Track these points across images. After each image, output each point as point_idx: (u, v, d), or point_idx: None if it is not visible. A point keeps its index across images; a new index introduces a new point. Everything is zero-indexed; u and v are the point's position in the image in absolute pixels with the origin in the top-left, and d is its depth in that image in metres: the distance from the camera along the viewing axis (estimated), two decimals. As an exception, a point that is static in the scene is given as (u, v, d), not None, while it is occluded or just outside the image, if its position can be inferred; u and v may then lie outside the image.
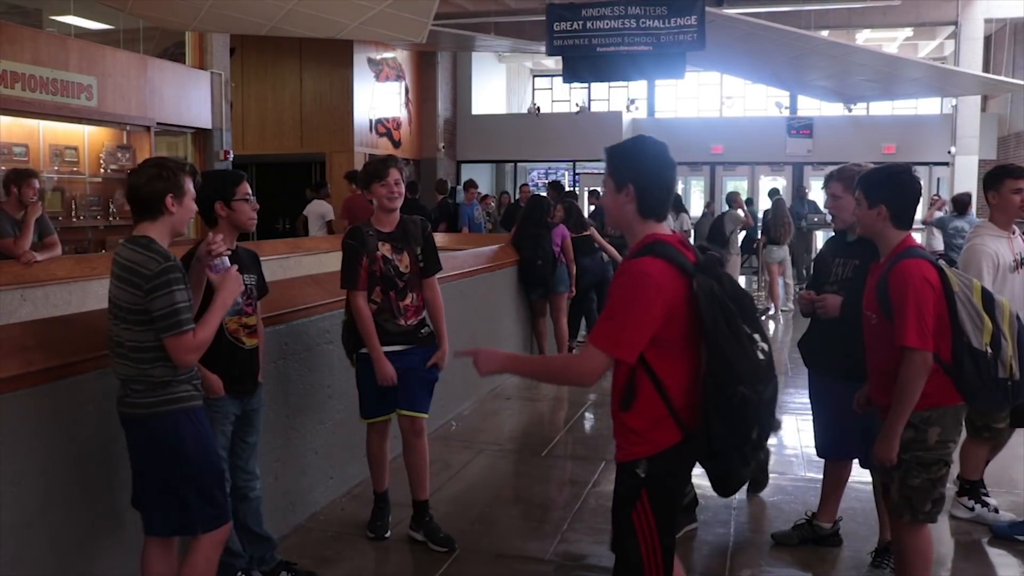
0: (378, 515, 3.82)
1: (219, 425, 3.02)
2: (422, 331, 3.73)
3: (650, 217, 2.24)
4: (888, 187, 2.79)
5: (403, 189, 3.69)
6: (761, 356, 2.15)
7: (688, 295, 2.13)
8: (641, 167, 2.23)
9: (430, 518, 3.75)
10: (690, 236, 11.48)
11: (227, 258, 2.77)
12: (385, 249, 3.63)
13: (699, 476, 4.07)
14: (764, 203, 13.93)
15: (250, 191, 3.12)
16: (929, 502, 2.77)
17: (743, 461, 2.20)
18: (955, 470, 4.35)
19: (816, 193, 14.34)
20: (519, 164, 19.24)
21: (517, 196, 13.62)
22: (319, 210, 10.66)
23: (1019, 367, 2.73)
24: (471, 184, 12.40)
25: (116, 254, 2.57)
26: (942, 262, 2.77)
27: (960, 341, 2.67)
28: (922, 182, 2.97)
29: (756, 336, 2.17)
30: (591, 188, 14.84)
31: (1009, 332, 2.72)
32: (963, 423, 2.83)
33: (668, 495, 2.27)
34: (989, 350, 2.68)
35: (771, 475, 4.62)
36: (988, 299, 2.73)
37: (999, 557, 3.66)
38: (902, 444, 2.73)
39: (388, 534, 3.80)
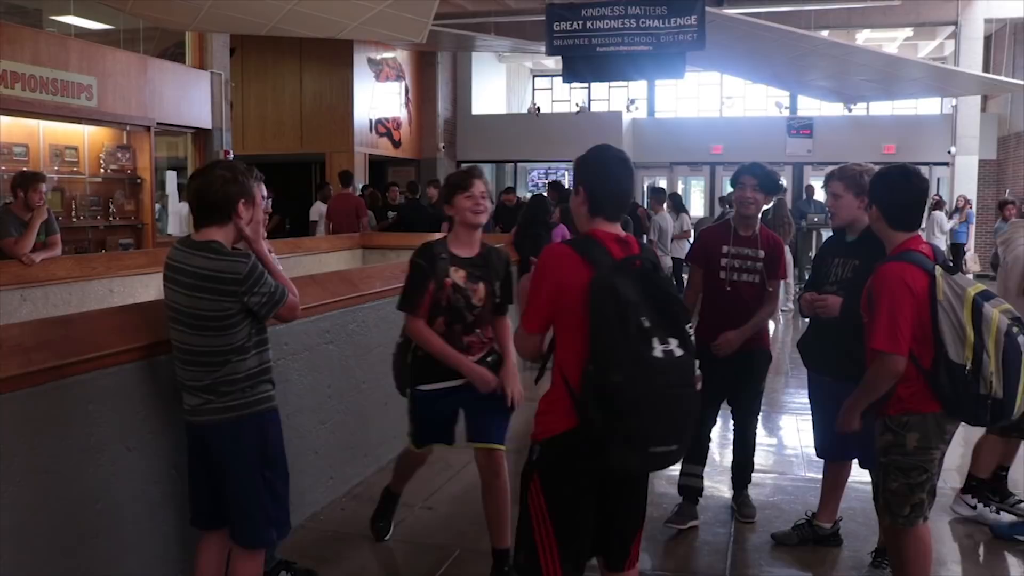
0: (383, 513, 3.75)
1: None
2: (488, 359, 3.27)
3: (598, 215, 2.36)
4: (877, 187, 2.80)
5: (489, 204, 3.26)
6: (659, 354, 2.11)
7: (586, 285, 2.21)
8: (591, 171, 2.38)
9: (509, 568, 3.26)
10: (690, 236, 11.47)
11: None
12: (458, 276, 3.15)
13: (708, 475, 4.10)
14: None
15: (263, 193, 3.00)
16: (907, 507, 2.76)
17: (631, 453, 2.16)
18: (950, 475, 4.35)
19: (820, 193, 14.33)
20: (519, 164, 19.25)
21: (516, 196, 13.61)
22: (315, 211, 10.85)
23: (1001, 386, 2.62)
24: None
25: (181, 262, 2.49)
26: (939, 270, 2.69)
27: (939, 352, 2.64)
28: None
29: (662, 337, 2.12)
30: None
31: (994, 349, 2.62)
32: (947, 432, 2.77)
33: (559, 484, 2.28)
34: (969, 364, 2.61)
35: (771, 475, 4.62)
36: (977, 313, 2.63)
37: (999, 557, 3.66)
38: (882, 448, 2.76)
39: (388, 536, 3.79)
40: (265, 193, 3.04)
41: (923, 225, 3.00)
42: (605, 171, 2.37)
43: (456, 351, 3.15)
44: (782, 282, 11.53)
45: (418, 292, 3.14)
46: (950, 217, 13.79)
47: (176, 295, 2.50)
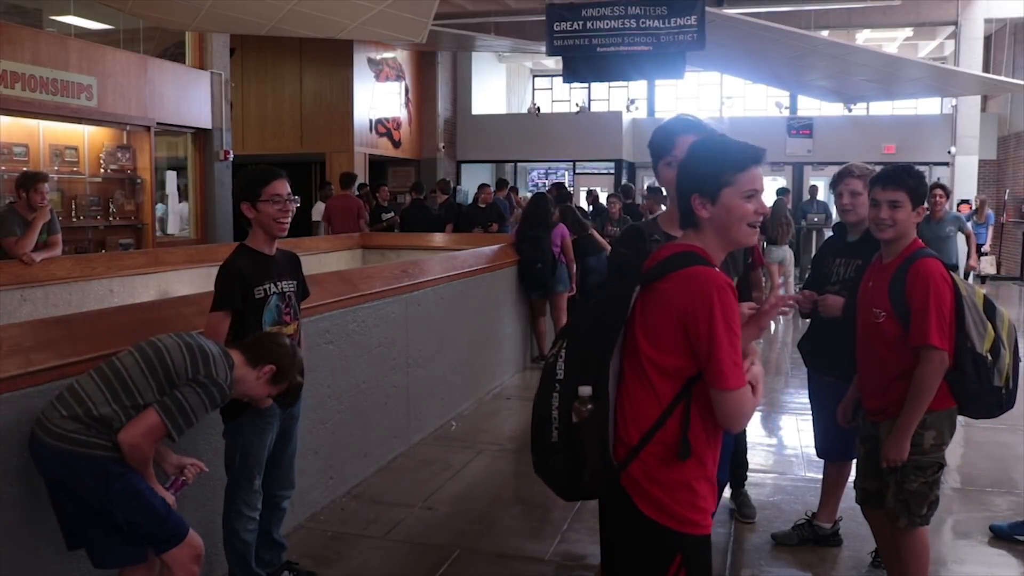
0: None
1: (265, 435, 3.00)
2: None
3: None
4: (927, 190, 2.84)
5: None
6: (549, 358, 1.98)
7: None
8: None
9: None
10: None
11: (183, 481, 2.64)
12: None
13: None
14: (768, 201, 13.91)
15: (282, 191, 2.92)
16: (925, 505, 2.80)
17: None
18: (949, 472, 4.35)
19: (822, 193, 14.29)
20: (519, 164, 19.24)
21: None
22: (317, 211, 10.89)
23: (1013, 377, 2.76)
24: (504, 183, 12.50)
25: (204, 340, 2.56)
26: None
27: (964, 345, 2.67)
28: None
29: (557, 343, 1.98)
30: (589, 188, 14.81)
31: (1007, 341, 2.74)
32: (955, 426, 2.84)
33: None
34: (989, 357, 2.70)
35: (771, 475, 4.63)
36: (989, 307, 2.74)
37: (999, 557, 3.66)
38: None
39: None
40: (281, 191, 2.92)
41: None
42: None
43: None
44: (782, 281, 11.51)
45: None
46: (967, 219, 13.84)
47: (170, 344, 2.49)
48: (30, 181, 5.54)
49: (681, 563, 1.88)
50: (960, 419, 2.87)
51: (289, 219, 2.96)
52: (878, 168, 3.10)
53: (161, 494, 2.47)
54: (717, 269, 1.88)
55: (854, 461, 3.53)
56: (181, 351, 2.46)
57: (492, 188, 11.58)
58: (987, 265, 13.56)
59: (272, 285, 2.96)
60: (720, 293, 1.80)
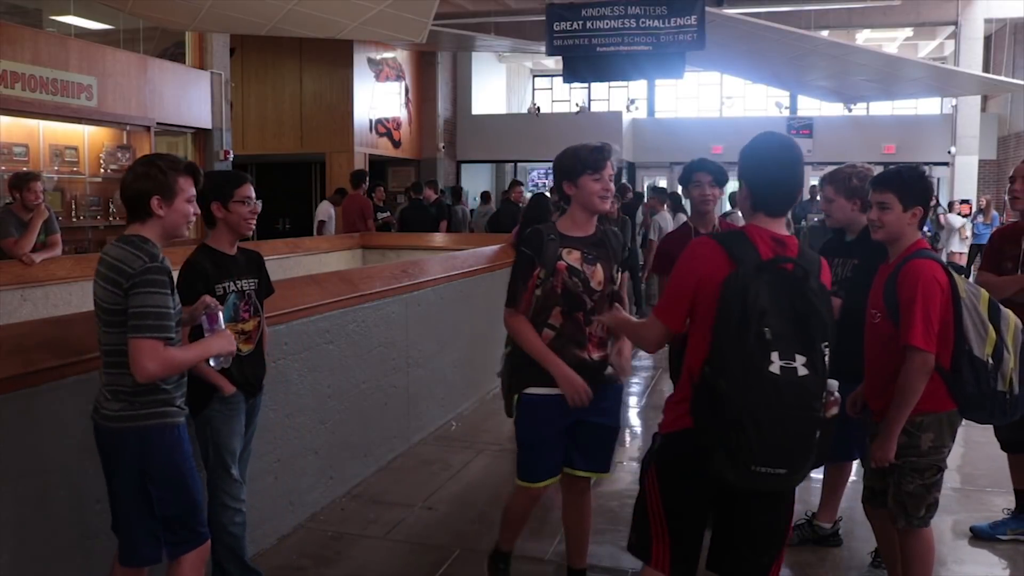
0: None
1: (232, 422, 3.00)
2: (606, 371, 2.95)
3: (759, 211, 2.28)
4: (925, 190, 2.79)
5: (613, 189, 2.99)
6: (776, 370, 1.99)
7: (721, 282, 2.12)
8: (749, 163, 2.28)
9: None
10: (690, 236, 11.46)
11: (221, 313, 2.65)
12: (572, 258, 2.86)
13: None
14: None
15: (251, 194, 3.06)
16: (923, 507, 2.78)
17: (731, 467, 2.05)
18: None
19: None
20: (519, 164, 19.25)
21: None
22: (323, 211, 10.87)
23: (1019, 382, 2.70)
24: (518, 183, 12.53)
25: (104, 253, 2.43)
26: (950, 268, 2.75)
27: (961, 348, 2.65)
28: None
29: (786, 352, 2.01)
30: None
31: (1012, 345, 2.69)
32: (957, 429, 2.81)
33: (673, 479, 2.26)
34: (990, 361, 2.66)
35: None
36: (994, 310, 2.70)
37: (999, 557, 3.66)
38: (896, 449, 2.74)
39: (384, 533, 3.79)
40: (250, 193, 3.03)
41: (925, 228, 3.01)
42: (763, 162, 2.25)
43: (552, 353, 2.84)
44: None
45: (519, 284, 2.89)
46: (973, 219, 13.84)
47: (94, 286, 2.42)
48: (22, 181, 5.54)
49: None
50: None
51: (255, 220, 3.09)
52: (866, 167, 3.11)
53: (219, 346, 2.51)
54: None
55: (854, 461, 3.55)
56: (100, 286, 2.38)
57: (485, 190, 11.57)
58: None
59: (231, 283, 3.01)
60: None
